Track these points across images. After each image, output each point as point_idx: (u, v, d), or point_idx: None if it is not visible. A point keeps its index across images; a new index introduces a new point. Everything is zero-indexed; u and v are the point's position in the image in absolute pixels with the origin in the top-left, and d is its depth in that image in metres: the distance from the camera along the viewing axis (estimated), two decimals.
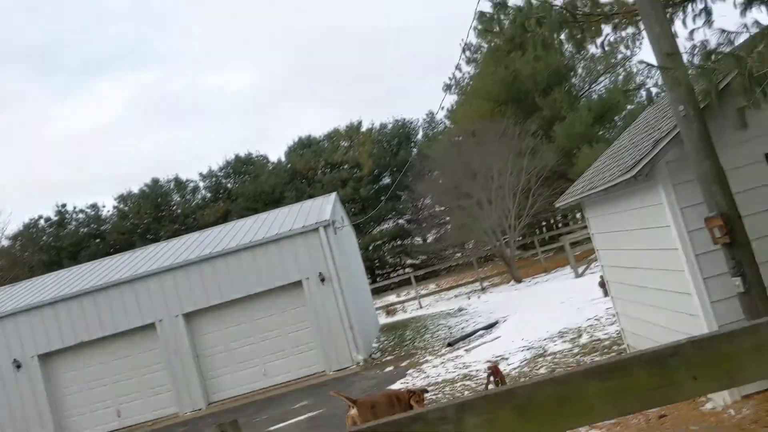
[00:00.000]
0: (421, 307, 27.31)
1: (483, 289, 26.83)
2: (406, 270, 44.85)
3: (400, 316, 26.80)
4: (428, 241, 48.33)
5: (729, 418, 6.36)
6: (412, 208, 47.98)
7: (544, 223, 37.32)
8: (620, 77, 29.74)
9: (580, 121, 27.60)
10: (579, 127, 27.53)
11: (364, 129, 49.78)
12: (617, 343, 11.19)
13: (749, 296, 6.19)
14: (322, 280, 17.38)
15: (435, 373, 13.26)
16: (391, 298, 33.44)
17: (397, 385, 13.25)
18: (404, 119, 49.89)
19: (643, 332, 8.81)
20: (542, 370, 10.72)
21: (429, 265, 38.66)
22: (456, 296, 27.75)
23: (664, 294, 7.58)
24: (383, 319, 26.70)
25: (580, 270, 22.37)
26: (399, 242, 47.16)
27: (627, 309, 9.36)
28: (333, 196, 21.04)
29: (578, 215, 32.51)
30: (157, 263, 18.41)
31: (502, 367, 11.98)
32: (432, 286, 33.59)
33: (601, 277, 17.34)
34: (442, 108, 43.29)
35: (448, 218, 38.99)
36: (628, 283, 8.99)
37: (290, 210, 21.27)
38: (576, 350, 11.49)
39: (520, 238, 28.87)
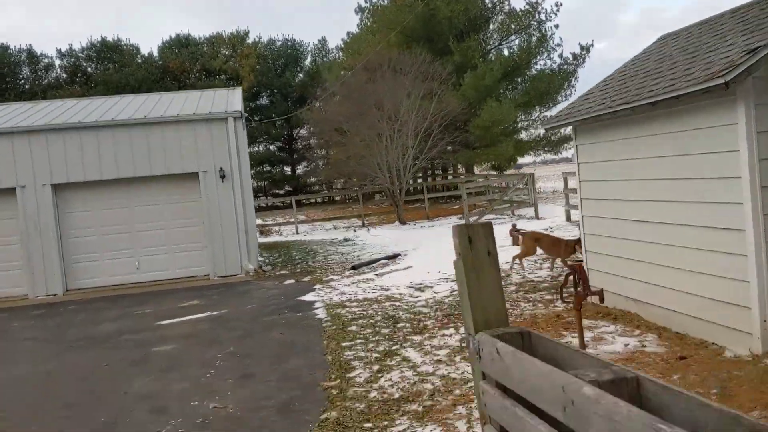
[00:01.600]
0: (297, 233, 25.94)
1: (364, 225, 25.94)
2: (278, 195, 43.06)
3: (275, 238, 25.30)
4: (298, 172, 46.76)
5: (753, 367, 5.78)
6: (288, 135, 46.06)
7: (436, 172, 37.07)
8: (534, 39, 29.60)
9: (491, 74, 27.15)
10: (488, 80, 27.08)
11: (250, 41, 46.74)
12: (557, 285, 10.63)
13: None
14: (223, 176, 15.53)
15: (351, 291, 12.18)
16: (258, 221, 31.66)
17: (309, 297, 12.03)
18: (295, 40, 47.48)
19: (637, 294, 8.15)
20: None
21: (306, 192, 37.19)
22: (335, 228, 26.67)
23: (699, 237, 6.87)
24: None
25: (472, 219, 22.07)
26: (267, 168, 45.11)
27: (613, 265, 8.67)
28: (239, 90, 18.95)
29: (461, 169, 32.49)
30: (29, 120, 15.54)
31: (428, 294, 11.14)
32: (302, 217, 32.17)
33: (513, 225, 17.04)
34: (345, 39, 41.36)
35: (326, 152, 37.63)
36: (629, 232, 8.28)
37: (189, 96, 18.94)
38: (512, 287, 10.83)
39: (412, 180, 28.20)
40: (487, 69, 27.53)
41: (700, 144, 6.70)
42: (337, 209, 35.02)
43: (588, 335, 7.64)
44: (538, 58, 29.83)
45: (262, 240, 24.69)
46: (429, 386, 6.39)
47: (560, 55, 39.05)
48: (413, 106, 24.50)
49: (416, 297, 11.06)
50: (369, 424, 5.60)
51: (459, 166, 32.98)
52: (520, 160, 35.87)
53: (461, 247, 1.96)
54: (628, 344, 7.14)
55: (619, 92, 8.22)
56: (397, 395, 6.23)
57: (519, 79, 30.40)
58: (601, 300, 4.72)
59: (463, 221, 22.85)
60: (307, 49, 48.02)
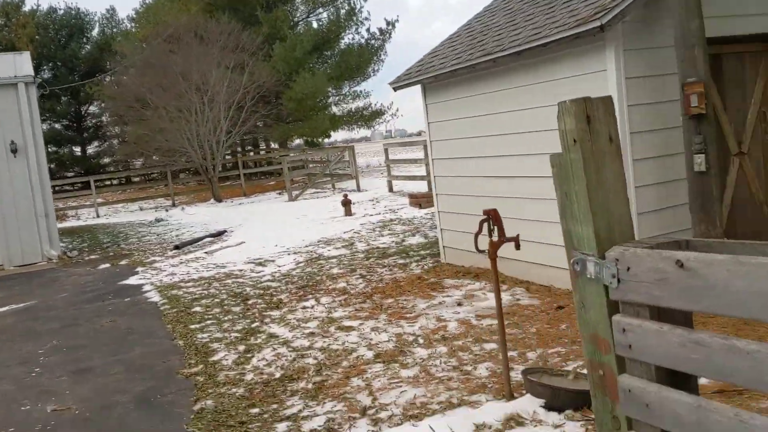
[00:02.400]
0: (98, 216, 23.60)
1: (175, 205, 24.23)
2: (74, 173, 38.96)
3: (73, 223, 22.78)
4: (89, 153, 42.83)
5: None
6: (76, 113, 41.95)
7: (247, 148, 35.46)
8: (342, 12, 29.34)
9: (301, 46, 26.49)
10: (299, 52, 26.41)
11: (26, 8, 41.72)
12: (406, 250, 10.44)
13: (706, 176, 5.74)
14: (14, 151, 13.45)
15: (182, 272, 11.08)
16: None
17: (133, 280, 10.74)
18: (79, 9, 43.18)
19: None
20: (335, 270, 9.46)
21: (99, 173, 34.09)
22: (141, 209, 24.63)
23: None
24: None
25: (295, 194, 21.45)
26: (53, 149, 40.71)
27: (469, 224, 8.55)
28: (27, 54, 16.55)
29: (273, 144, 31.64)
30: None
31: (271, 269, 10.43)
32: (99, 200, 29.44)
33: (345, 195, 16.68)
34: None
35: (121, 129, 34.68)
36: (485, 189, 8.17)
37: None
38: (361, 255, 10.45)
39: (229, 155, 26.84)
40: (297, 41, 26.81)
41: (568, 93, 6.62)
42: (139, 190, 32.51)
43: (458, 293, 7.43)
44: (348, 31, 29.69)
45: (59, 225, 22.13)
46: (312, 361, 5.75)
47: (368, 30, 39.31)
48: (223, 77, 23.15)
49: (259, 272, 10.26)
50: (256, 410, 4.86)
51: (272, 143, 32.06)
52: (333, 137, 35.70)
53: (577, 131, 1.42)
54: (501, 299, 6.99)
55: (473, 46, 8.03)
56: (278, 374, 5.52)
57: (329, 53, 30.02)
58: (517, 246, 4.40)
59: (285, 197, 22.15)
60: (93, 19, 43.95)
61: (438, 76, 8.30)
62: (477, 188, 8.24)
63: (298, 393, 5.08)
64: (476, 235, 4.45)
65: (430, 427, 4.16)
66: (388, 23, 30.72)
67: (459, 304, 6.95)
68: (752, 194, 6.87)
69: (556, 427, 4.00)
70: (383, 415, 4.51)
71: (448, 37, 9.49)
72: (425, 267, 9.07)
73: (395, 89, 9.36)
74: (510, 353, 5.36)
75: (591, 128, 1.43)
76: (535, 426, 4.06)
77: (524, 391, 4.57)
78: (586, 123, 1.42)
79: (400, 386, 4.97)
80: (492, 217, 4.37)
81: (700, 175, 5.72)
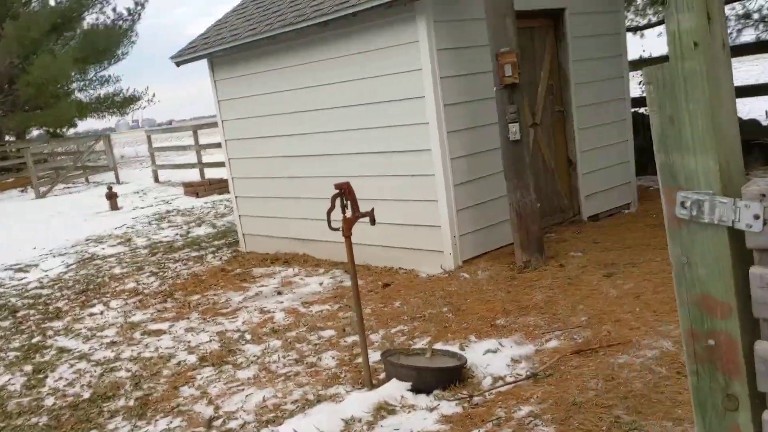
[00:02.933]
0: None
1: None
2: None
3: None
4: None
5: (457, 281, 5.93)
6: None
7: None
8: None
9: (38, 25, 23.52)
10: (35, 32, 23.43)
11: None
12: (196, 242, 9.66)
13: (520, 144, 5.87)
14: None
15: None
16: None
17: None
18: None
19: (306, 233, 7.72)
20: (117, 269, 8.42)
21: None
22: None
23: (384, 162, 6.67)
24: None
25: (43, 190, 19.06)
26: None
27: (273, 208, 8.05)
28: None
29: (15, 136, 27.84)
30: None
31: (37, 275, 9.03)
32: None
33: (110, 188, 15.07)
34: None
35: None
36: (294, 169, 7.74)
37: None
38: (144, 251, 9.45)
39: None
40: (31, 19, 23.74)
41: (380, 65, 6.44)
42: None
43: (273, 282, 6.93)
44: (91, 10, 26.94)
45: None
46: (125, 374, 4.92)
47: (114, 10, 36.19)
48: None
49: (22, 279, 8.79)
50: None
51: (7, 135, 28.18)
52: (82, 126, 32.38)
53: (698, 30, 1.09)
54: (322, 282, 6.66)
55: (268, 17, 7.50)
56: (86, 394, 4.62)
57: (71, 33, 27.04)
58: (373, 222, 4.07)
59: (31, 194, 19.56)
60: None
61: (230, 49, 7.65)
62: (281, 169, 7.77)
63: (120, 413, 4.28)
64: (329, 212, 4.04)
65: (294, 430, 3.69)
66: (137, 3, 28.48)
67: (279, 293, 6.47)
68: (545, 162, 7.27)
69: (431, 410, 3.76)
70: (234, 424, 3.94)
71: (234, 8, 8.83)
72: (224, 258, 8.39)
73: (178, 64, 8.49)
74: (352, 337, 5.05)
75: (711, 29, 1.14)
76: (409, 412, 3.78)
77: (384, 376, 4.28)
78: (707, 21, 1.12)
79: (242, 389, 4.41)
80: (345, 192, 3.98)
81: (514, 143, 5.85)
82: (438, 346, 4.59)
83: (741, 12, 10.91)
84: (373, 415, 3.79)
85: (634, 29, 11.85)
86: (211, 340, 5.41)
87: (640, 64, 9.82)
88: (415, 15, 6.04)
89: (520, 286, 5.57)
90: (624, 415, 3.34)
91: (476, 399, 3.80)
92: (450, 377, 4.07)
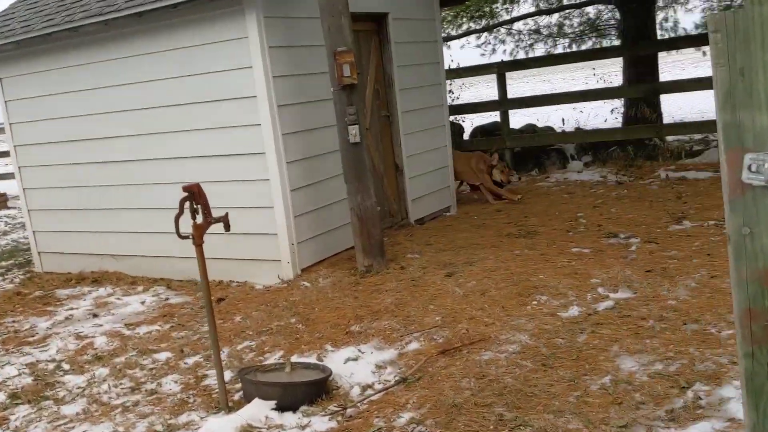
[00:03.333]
0: None
1: None
2: None
3: None
4: None
5: (299, 290, 5.69)
6: None
7: None
8: None
9: None
10: None
11: None
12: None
13: (359, 147, 5.74)
14: None
15: None
16: None
17: None
18: None
19: (121, 249, 6.98)
20: None
21: None
22: None
23: (212, 167, 6.19)
24: None
25: None
26: None
27: (78, 221, 7.18)
28: None
29: None
30: None
31: None
32: None
33: None
34: None
35: None
36: (101, 177, 6.96)
37: None
38: None
39: None
40: None
41: (207, 62, 5.97)
42: None
43: (84, 303, 6.16)
44: None
45: None
46: None
47: None
48: None
49: None
50: None
51: None
52: None
53: None
54: (144, 301, 6.02)
55: (68, 7, 6.68)
56: None
57: None
58: (227, 227, 3.66)
59: None
60: None
61: (21, 42, 6.71)
62: (88, 178, 6.95)
63: None
64: (177, 218, 3.58)
65: None
66: None
67: (95, 315, 5.73)
68: (375, 167, 7.23)
69: (303, 428, 3.46)
70: None
71: None
72: (17, 280, 7.33)
73: None
74: (192, 358, 4.59)
75: None
76: None
77: (239, 397, 3.90)
78: None
79: (72, 427, 3.78)
80: (195, 195, 3.56)
81: (354, 146, 5.71)
82: (294, 358, 4.29)
83: None
84: None
85: (444, 39, 12.39)
86: (20, 374, 4.62)
87: (450, 73, 10.22)
88: (244, 9, 5.69)
89: (366, 290, 5.43)
90: (505, 412, 3.30)
91: (350, 411, 3.57)
92: (317, 391, 3.79)
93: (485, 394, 3.49)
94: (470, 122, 11.89)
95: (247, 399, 3.79)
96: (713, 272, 4.87)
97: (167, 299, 6.00)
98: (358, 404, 3.62)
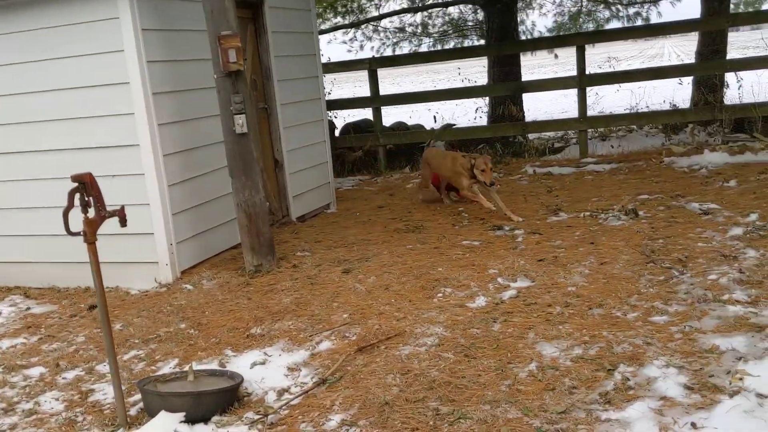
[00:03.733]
0: None
1: None
2: None
3: None
4: None
5: (171, 293, 5.28)
6: None
7: None
8: None
9: None
10: None
11: None
12: None
13: (246, 138, 5.39)
14: None
15: None
16: None
17: None
18: None
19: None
20: None
21: None
22: None
23: (74, 161, 5.56)
24: None
25: None
26: None
27: None
28: None
29: None
30: None
31: None
32: None
33: None
34: None
35: None
36: None
37: None
38: None
39: None
40: None
41: (72, 44, 5.34)
42: None
43: None
44: None
45: None
46: None
47: None
48: None
49: None
50: None
51: None
52: None
53: None
54: (1, 312, 5.30)
55: None
56: None
57: None
58: (123, 222, 3.24)
59: None
60: None
61: None
62: None
63: None
64: (66, 212, 3.11)
65: None
66: None
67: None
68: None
69: None
70: None
71: None
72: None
73: None
74: (72, 372, 4.08)
75: None
76: None
77: (136, 412, 3.48)
78: None
79: None
80: (87, 185, 3.11)
81: (241, 137, 5.36)
82: (194, 367, 3.92)
83: None
84: None
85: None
86: None
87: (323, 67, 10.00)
88: None
89: (259, 291, 5.11)
90: (440, 406, 3.17)
91: (271, 417, 3.28)
92: (230, 399, 3.46)
93: (414, 389, 3.34)
94: (342, 119, 11.74)
95: (149, 413, 3.39)
96: (601, 259, 5.05)
97: (28, 309, 5.32)
98: (278, 410, 3.34)
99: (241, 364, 3.91)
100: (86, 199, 3.13)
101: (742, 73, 10.54)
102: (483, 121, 11.97)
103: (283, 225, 7.11)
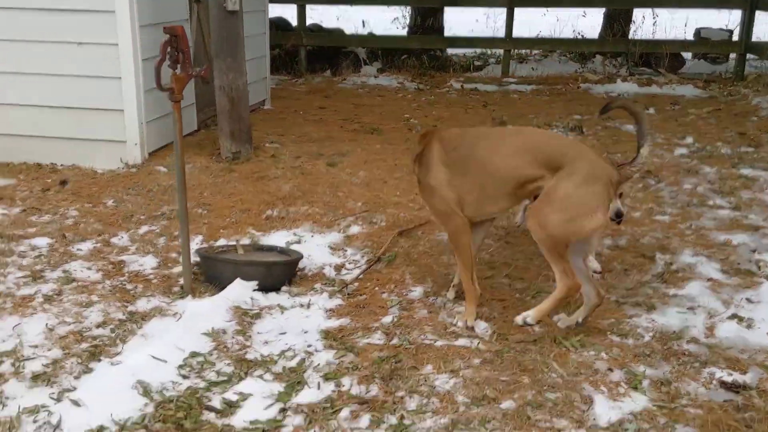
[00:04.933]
0: None
1: None
2: None
3: None
4: None
5: (146, 174, 5.02)
6: None
7: None
8: None
9: None
10: None
11: None
12: None
13: (235, 18, 5.08)
14: None
15: None
16: None
17: None
18: None
19: None
20: None
21: None
22: None
23: (47, 25, 4.96)
24: None
25: None
26: None
27: None
28: None
29: None
30: None
31: None
32: None
33: None
34: None
35: None
36: None
37: None
38: None
39: None
40: None
41: None
42: None
43: None
44: None
45: None
46: None
47: None
48: None
49: None
50: None
51: None
52: None
53: None
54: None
55: None
56: None
57: None
58: (207, 81, 3.00)
59: None
60: None
61: None
62: None
63: None
64: (158, 65, 2.85)
65: (154, 356, 2.65)
66: None
67: None
68: (206, 47, 6.50)
69: (308, 306, 3.15)
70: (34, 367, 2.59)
71: None
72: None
73: None
74: (85, 244, 3.82)
75: None
76: (282, 312, 3.10)
77: (194, 282, 3.36)
78: None
79: None
80: (180, 38, 2.86)
81: (231, 14, 5.03)
82: (222, 242, 3.82)
83: None
84: (238, 323, 2.97)
85: None
86: None
87: None
88: None
89: (248, 178, 4.95)
90: (511, 282, 3.38)
91: (351, 288, 3.32)
92: (293, 272, 3.44)
93: (479, 268, 3.50)
94: None
95: (214, 281, 3.29)
96: None
97: None
98: (352, 282, 3.38)
99: (273, 242, 3.85)
100: (176, 53, 2.89)
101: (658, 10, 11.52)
102: (402, 32, 11.89)
103: None
